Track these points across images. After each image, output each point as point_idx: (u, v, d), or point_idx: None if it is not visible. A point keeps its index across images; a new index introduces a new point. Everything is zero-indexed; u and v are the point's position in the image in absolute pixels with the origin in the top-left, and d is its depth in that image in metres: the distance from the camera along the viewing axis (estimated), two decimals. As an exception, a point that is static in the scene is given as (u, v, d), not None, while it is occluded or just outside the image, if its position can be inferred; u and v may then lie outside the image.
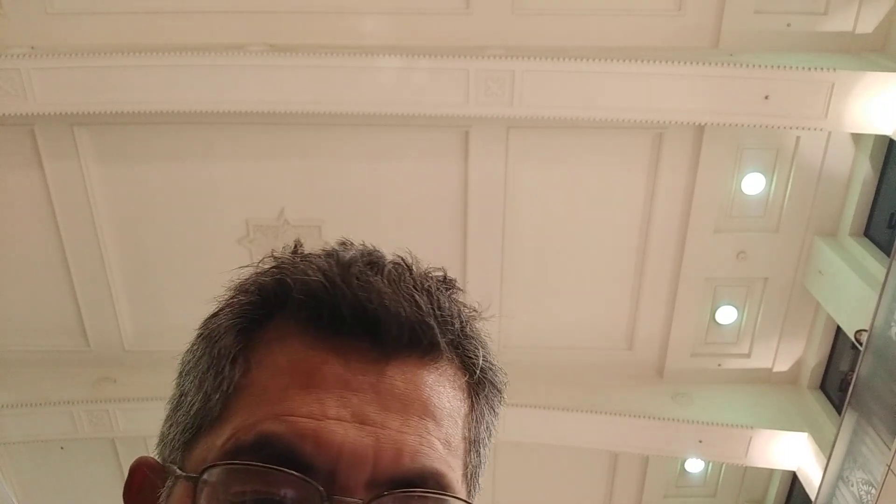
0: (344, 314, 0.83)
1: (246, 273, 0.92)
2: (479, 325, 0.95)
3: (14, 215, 10.14)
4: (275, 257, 0.92)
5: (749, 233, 10.09)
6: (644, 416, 10.48)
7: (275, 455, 0.78)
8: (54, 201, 10.02)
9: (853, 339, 9.15)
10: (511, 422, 10.81)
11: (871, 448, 8.41)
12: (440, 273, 0.94)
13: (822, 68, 8.24)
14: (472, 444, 0.89)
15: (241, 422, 0.82)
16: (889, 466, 7.91)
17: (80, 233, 10.18)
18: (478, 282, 10.61)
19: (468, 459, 0.87)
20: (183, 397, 0.91)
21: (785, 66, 8.28)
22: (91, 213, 10.07)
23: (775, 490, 11.97)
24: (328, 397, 0.80)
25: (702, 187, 9.75)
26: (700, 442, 10.61)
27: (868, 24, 8.69)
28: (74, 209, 10.05)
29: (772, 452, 10.46)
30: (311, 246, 0.96)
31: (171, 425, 0.92)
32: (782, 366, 10.95)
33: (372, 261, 0.89)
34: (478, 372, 0.90)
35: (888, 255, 8.39)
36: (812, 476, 9.97)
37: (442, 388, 0.86)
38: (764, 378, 11.01)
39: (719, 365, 11.05)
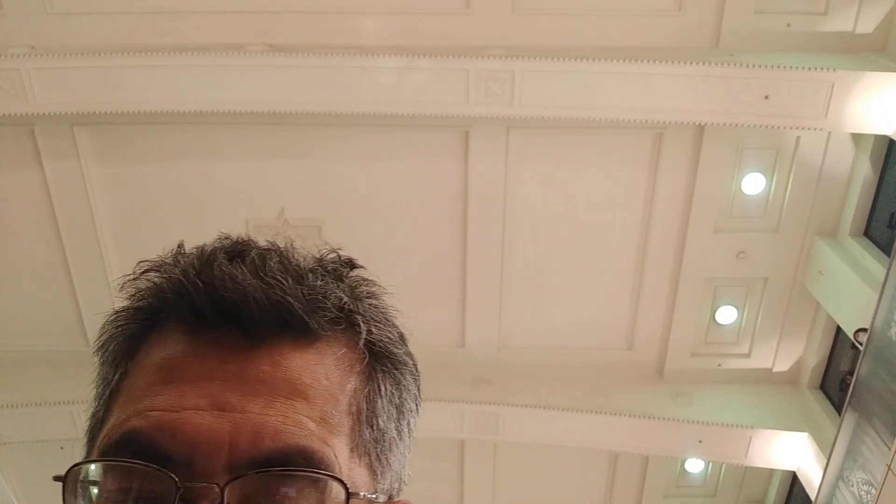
0: (201, 307, 0.84)
1: (126, 280, 0.94)
2: (377, 300, 0.95)
3: (14, 215, 10.14)
4: (150, 261, 0.94)
5: (749, 233, 10.09)
6: (644, 416, 10.48)
7: (137, 450, 0.79)
8: (54, 201, 10.02)
9: (852, 338, 9.15)
10: (511, 422, 10.82)
11: (871, 448, 8.41)
12: (332, 255, 0.96)
13: (822, 68, 8.24)
14: (366, 418, 0.88)
15: (113, 422, 0.84)
16: (889, 466, 7.91)
17: (80, 233, 10.18)
18: (478, 282, 10.62)
19: (358, 434, 0.86)
20: (90, 406, 0.94)
21: (785, 66, 8.27)
22: (91, 213, 10.07)
23: (775, 490, 11.97)
24: (189, 389, 0.81)
25: (702, 187, 9.75)
26: (700, 442, 10.60)
27: (868, 24, 8.69)
28: (74, 209, 10.05)
29: (772, 452, 10.46)
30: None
31: (84, 433, 0.95)
32: (782, 366, 10.95)
33: (236, 250, 0.92)
34: (363, 345, 0.90)
35: (888, 255, 8.38)
36: (812, 476, 9.97)
37: (318, 367, 0.85)
38: (764, 378, 11.01)
39: (719, 365, 11.05)
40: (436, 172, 9.94)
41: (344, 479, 0.81)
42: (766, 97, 8.33)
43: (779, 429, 10.35)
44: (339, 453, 0.83)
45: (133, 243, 10.30)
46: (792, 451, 10.34)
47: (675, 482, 12.46)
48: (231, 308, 0.84)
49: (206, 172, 9.92)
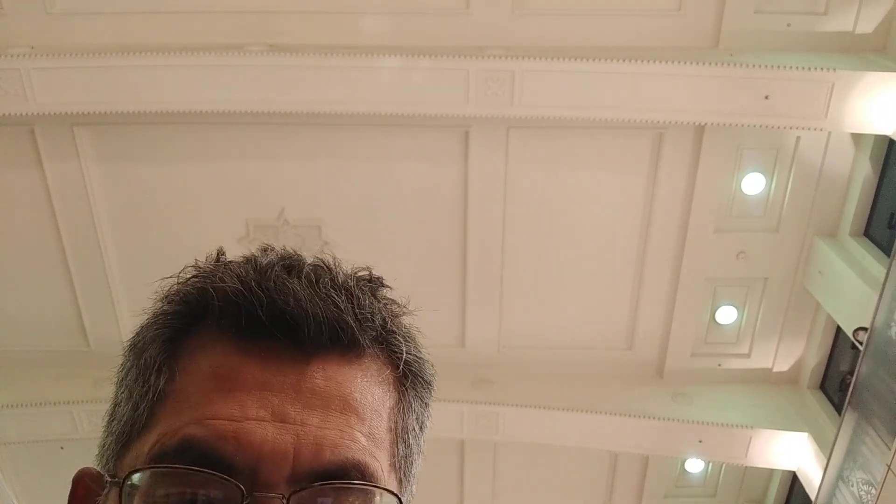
0: (261, 318, 0.86)
1: (170, 283, 0.95)
2: (405, 319, 0.99)
3: (14, 215, 10.14)
4: (196, 266, 0.95)
5: (749, 233, 10.09)
6: (644, 416, 10.48)
7: (197, 457, 0.81)
8: (54, 201, 10.02)
9: (852, 337, 9.15)
10: (511, 422, 10.82)
11: (871, 448, 8.41)
12: (365, 273, 0.98)
13: (822, 68, 8.24)
14: (400, 435, 0.92)
15: (165, 428, 0.85)
16: (889, 466, 7.91)
17: (80, 233, 10.18)
18: (478, 282, 10.62)
19: (396, 449, 0.90)
20: (116, 407, 0.96)
21: (785, 66, 8.28)
22: (91, 213, 10.07)
23: (775, 490, 11.97)
24: (248, 399, 0.83)
25: (702, 187, 9.75)
26: (700, 442, 10.61)
27: (868, 24, 8.69)
28: (74, 209, 10.05)
29: (772, 452, 10.46)
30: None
31: (107, 435, 0.96)
32: (782, 366, 10.95)
33: (290, 264, 0.93)
34: (402, 366, 0.94)
35: (888, 255, 8.39)
36: (812, 476, 9.97)
37: (365, 383, 0.89)
38: (764, 378, 11.01)
39: (719, 365, 11.05)
40: (436, 172, 9.94)
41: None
42: (766, 97, 8.33)
43: (779, 429, 10.35)
44: (384, 467, 0.87)
45: (133, 243, 10.31)
46: (792, 451, 10.34)
47: (675, 482, 12.46)
48: (290, 321, 0.86)
49: (206, 172, 9.92)
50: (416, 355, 0.96)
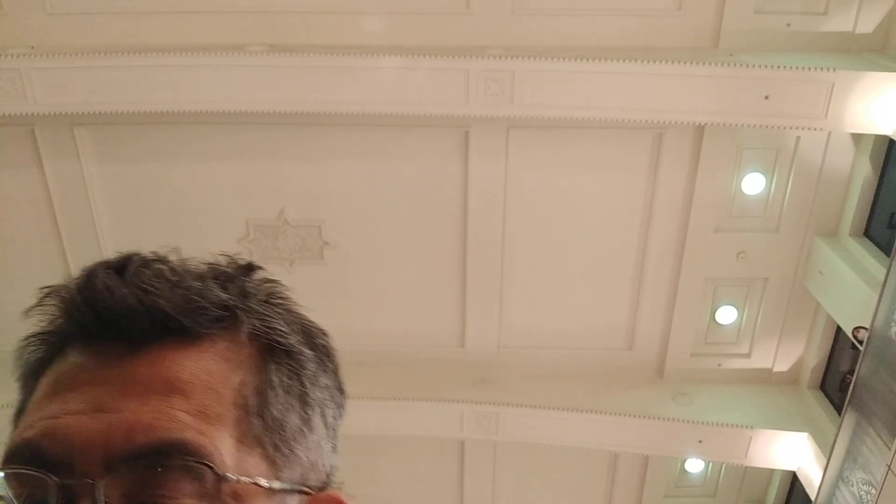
0: (84, 322, 0.90)
1: (32, 307, 0.99)
2: (279, 298, 0.98)
3: (14, 215, 10.14)
4: (52, 285, 0.98)
5: (749, 233, 10.09)
6: (644, 416, 10.48)
7: (25, 458, 0.84)
8: (54, 201, 10.02)
9: (851, 336, 9.15)
10: (511, 422, 10.82)
11: (871, 448, 8.41)
12: (222, 259, 0.99)
13: (822, 68, 8.24)
14: (255, 409, 0.90)
15: (12, 438, 0.89)
16: (889, 466, 7.92)
17: (80, 233, 10.18)
18: (478, 282, 10.62)
19: (248, 424, 0.89)
20: None
21: (785, 66, 8.28)
22: (91, 213, 10.07)
23: (775, 490, 11.97)
24: (72, 396, 0.86)
25: (702, 187, 9.75)
26: (700, 442, 10.61)
27: (868, 24, 8.69)
28: (74, 209, 10.05)
29: (772, 452, 10.46)
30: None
31: None
32: (782, 366, 10.95)
33: (119, 264, 0.95)
34: (257, 339, 0.93)
35: (888, 255, 8.39)
36: (812, 476, 9.97)
37: (199, 364, 0.89)
38: (764, 378, 11.01)
39: (719, 365, 11.05)
40: (436, 172, 9.94)
41: (228, 467, 0.84)
42: (766, 97, 8.33)
43: (779, 429, 10.35)
44: (221, 443, 0.85)
45: (133, 243, 10.21)
46: (792, 451, 10.34)
47: (675, 482, 12.46)
48: (110, 319, 0.89)
49: (206, 172, 9.92)
50: (274, 328, 0.94)
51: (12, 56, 8.49)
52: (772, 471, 11.77)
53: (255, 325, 0.93)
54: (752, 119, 8.61)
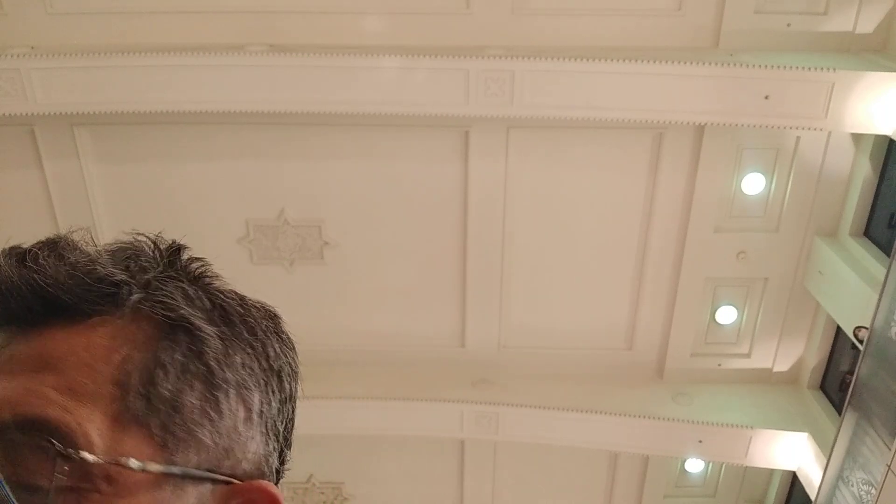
0: None
1: None
2: (197, 278, 0.98)
3: (14, 215, 10.14)
4: None
5: (749, 233, 10.09)
6: (644, 416, 10.48)
7: None
8: (54, 201, 10.02)
9: (852, 335, 9.15)
10: (511, 422, 10.82)
11: (871, 448, 8.41)
12: (134, 237, 0.99)
13: (822, 68, 8.24)
14: (138, 387, 0.87)
15: None
16: (889, 466, 7.91)
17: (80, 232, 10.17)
18: (478, 282, 10.62)
19: (126, 403, 0.86)
20: None
21: (785, 66, 8.28)
22: (91, 213, 10.08)
23: (775, 490, 11.97)
24: None
25: (702, 187, 9.75)
26: (700, 442, 10.61)
27: (868, 24, 8.69)
28: (74, 209, 10.05)
29: (772, 452, 10.46)
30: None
31: None
32: (782, 366, 10.95)
33: (18, 249, 0.95)
34: (147, 317, 0.90)
35: (888, 255, 8.39)
36: (812, 476, 9.97)
37: (79, 341, 0.87)
38: (764, 378, 11.01)
39: (719, 365, 11.05)
40: (436, 172, 9.94)
41: (95, 447, 0.81)
42: (766, 97, 8.33)
43: (779, 429, 10.35)
44: (89, 422, 0.82)
45: (133, 243, 10.30)
46: (792, 451, 10.34)
47: (675, 482, 12.46)
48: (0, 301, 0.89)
49: (206, 172, 9.92)
50: (170, 306, 0.91)
51: (12, 56, 8.49)
52: (772, 471, 11.77)
53: (147, 302, 0.90)
54: (752, 119, 8.61)
